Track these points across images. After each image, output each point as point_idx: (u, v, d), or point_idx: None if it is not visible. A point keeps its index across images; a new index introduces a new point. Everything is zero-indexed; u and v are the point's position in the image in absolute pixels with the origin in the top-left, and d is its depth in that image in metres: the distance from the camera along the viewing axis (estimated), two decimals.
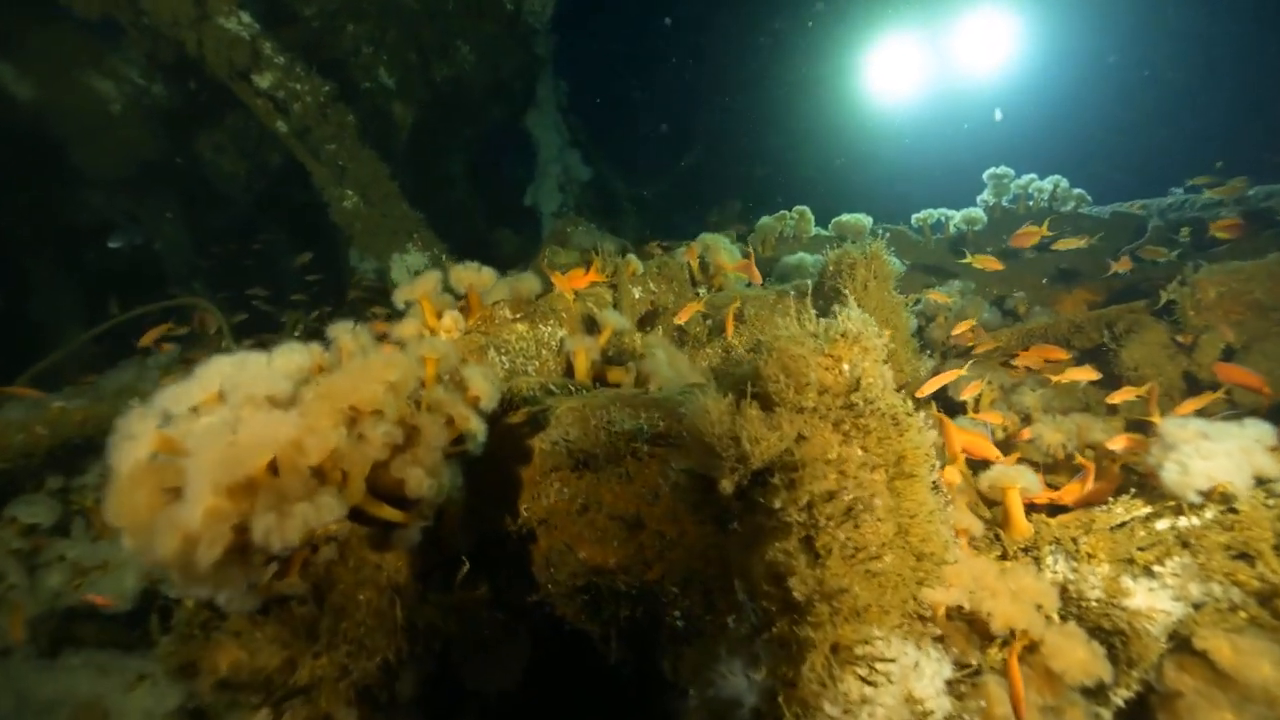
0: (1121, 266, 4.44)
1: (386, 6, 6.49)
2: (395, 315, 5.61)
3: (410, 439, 1.64)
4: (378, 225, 5.10)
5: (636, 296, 3.25)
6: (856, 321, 1.76)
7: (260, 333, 5.42)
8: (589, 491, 1.74)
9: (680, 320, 2.99)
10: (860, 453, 1.51)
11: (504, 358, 2.13)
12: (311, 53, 5.52)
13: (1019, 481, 2.46)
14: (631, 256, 3.41)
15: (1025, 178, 5.50)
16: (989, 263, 4.52)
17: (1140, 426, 3.35)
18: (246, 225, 7.08)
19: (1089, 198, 5.73)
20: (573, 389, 2.31)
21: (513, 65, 7.84)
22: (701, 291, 4.03)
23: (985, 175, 5.60)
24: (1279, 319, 3.68)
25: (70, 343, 4.44)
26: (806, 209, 5.35)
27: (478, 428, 1.74)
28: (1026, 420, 3.54)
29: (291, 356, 1.66)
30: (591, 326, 2.75)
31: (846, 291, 3.15)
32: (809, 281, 3.54)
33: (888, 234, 5.48)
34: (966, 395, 3.25)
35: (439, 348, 1.78)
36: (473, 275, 2.26)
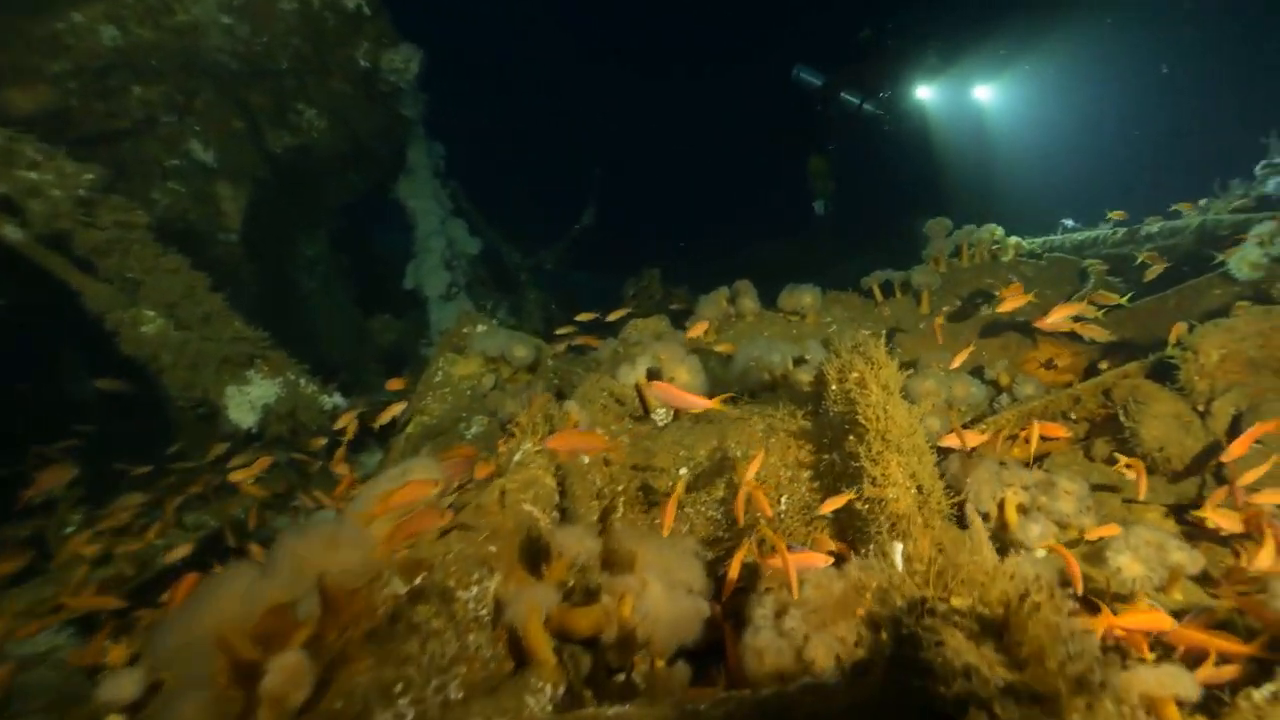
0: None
1: (189, 63, 5.22)
2: (224, 468, 4.26)
3: None
4: (197, 354, 3.84)
5: (586, 461, 2.35)
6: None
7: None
8: None
9: (666, 522, 2.12)
10: None
11: (405, 703, 1.15)
12: (72, 127, 4.19)
13: (1174, 688, 1.87)
14: (571, 405, 2.52)
15: (965, 228, 5.21)
16: (1017, 298, 4.13)
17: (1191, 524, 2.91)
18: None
19: (1025, 245, 5.61)
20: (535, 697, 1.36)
21: (374, 128, 6.79)
22: (658, 418, 3.20)
23: (925, 229, 5.27)
24: (1271, 377, 3.44)
25: None
26: (748, 283, 4.71)
27: None
28: (1063, 528, 3.00)
29: None
30: (534, 548, 1.82)
31: (867, 424, 2.42)
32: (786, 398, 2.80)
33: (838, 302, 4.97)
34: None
35: None
36: (321, 553, 1.21)
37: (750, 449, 2.70)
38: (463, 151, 9.15)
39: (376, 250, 8.92)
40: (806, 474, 2.64)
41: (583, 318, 5.35)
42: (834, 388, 2.63)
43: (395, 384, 4.30)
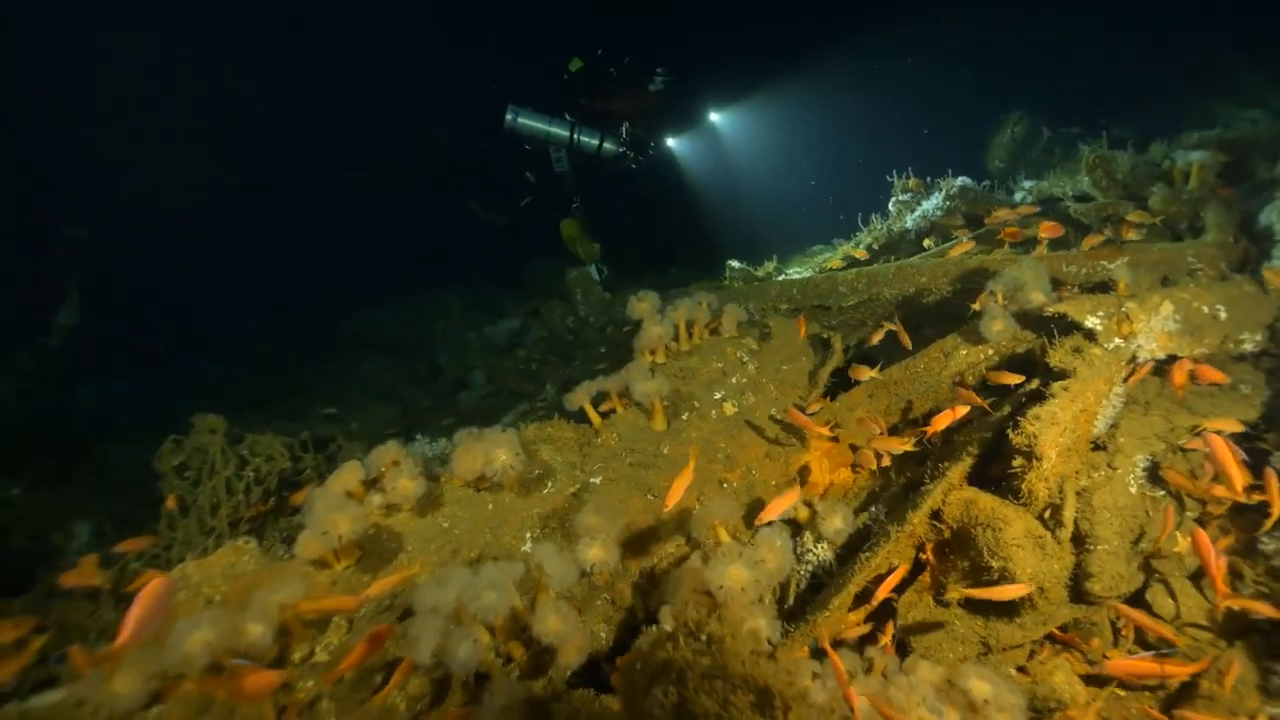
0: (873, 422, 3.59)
1: None
2: None
3: None
4: None
5: None
6: None
7: None
8: None
9: None
10: None
11: None
12: None
13: None
14: None
15: (679, 303, 4.25)
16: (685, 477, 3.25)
17: None
18: None
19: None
20: None
21: None
22: None
23: (629, 309, 4.16)
24: (1077, 459, 3.20)
25: None
26: (398, 450, 2.82)
27: None
28: None
29: None
30: None
31: None
32: None
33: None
34: None
35: None
36: None
37: None
38: None
39: None
40: None
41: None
42: None
43: None
